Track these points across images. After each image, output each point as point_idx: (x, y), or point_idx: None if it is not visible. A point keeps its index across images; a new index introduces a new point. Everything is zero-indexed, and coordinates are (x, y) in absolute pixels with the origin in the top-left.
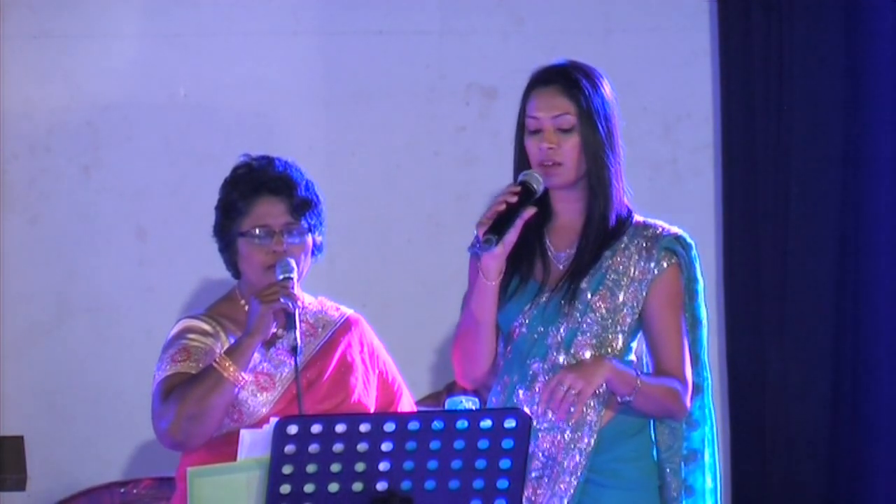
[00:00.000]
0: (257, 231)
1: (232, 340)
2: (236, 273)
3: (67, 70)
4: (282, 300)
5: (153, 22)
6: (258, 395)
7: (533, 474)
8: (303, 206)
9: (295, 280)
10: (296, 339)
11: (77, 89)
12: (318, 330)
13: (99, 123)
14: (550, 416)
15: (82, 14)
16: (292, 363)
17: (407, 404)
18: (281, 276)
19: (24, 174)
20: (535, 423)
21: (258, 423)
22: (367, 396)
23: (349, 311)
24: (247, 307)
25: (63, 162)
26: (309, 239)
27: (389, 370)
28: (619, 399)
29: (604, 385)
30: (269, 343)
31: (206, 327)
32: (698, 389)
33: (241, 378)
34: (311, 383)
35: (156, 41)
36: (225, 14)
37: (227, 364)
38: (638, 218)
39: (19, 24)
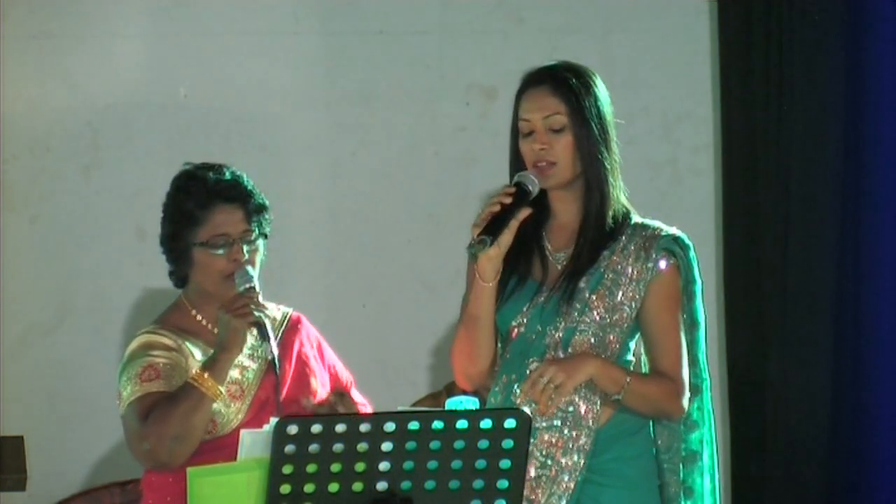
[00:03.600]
0: (216, 240)
1: (196, 352)
2: (180, 282)
3: (67, 70)
4: (255, 314)
5: (153, 22)
6: (231, 404)
7: (532, 473)
8: (257, 211)
9: (257, 289)
10: (271, 351)
11: (77, 89)
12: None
13: (99, 123)
14: (523, 402)
15: (82, 14)
16: (254, 368)
17: (357, 395)
18: (242, 287)
19: (24, 174)
20: (535, 421)
21: (231, 434)
22: (325, 392)
23: (290, 310)
24: (198, 316)
25: (63, 162)
26: (261, 244)
27: (336, 363)
28: (609, 397)
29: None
30: None
31: (168, 342)
32: (696, 391)
33: (219, 393)
34: (274, 387)
35: (156, 41)
36: (225, 14)
37: (207, 382)
38: (637, 218)
39: (19, 24)
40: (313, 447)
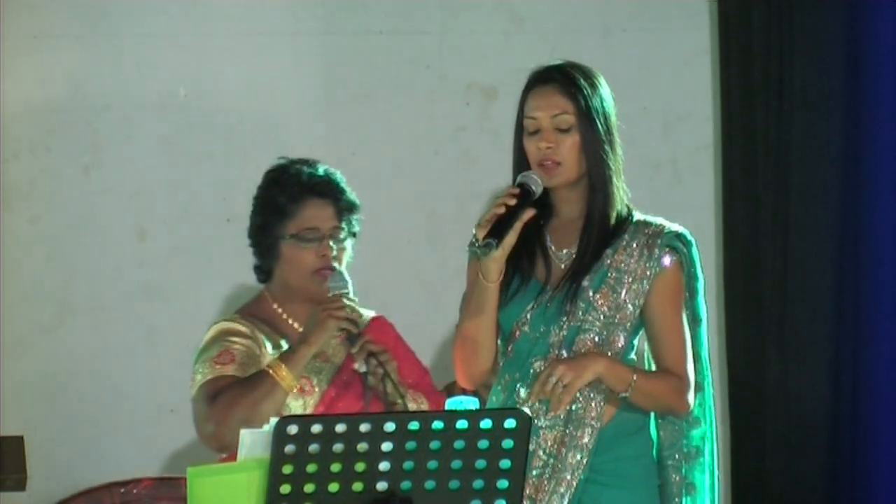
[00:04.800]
0: (306, 234)
1: (269, 345)
2: (265, 276)
3: (67, 70)
4: (347, 322)
5: (153, 22)
6: (298, 398)
7: (534, 472)
8: (348, 209)
9: (352, 295)
10: (363, 363)
11: (77, 89)
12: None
13: (99, 123)
14: (532, 402)
15: (82, 14)
16: (329, 366)
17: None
18: (335, 293)
19: (24, 174)
20: (536, 421)
21: None
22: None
23: (371, 313)
24: (279, 310)
25: (63, 162)
26: (349, 243)
27: (409, 362)
28: (615, 395)
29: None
30: None
31: (244, 329)
32: (699, 387)
33: (294, 386)
34: (347, 384)
35: (156, 41)
36: (225, 14)
37: (282, 372)
38: (639, 216)
39: (19, 24)
40: (313, 447)
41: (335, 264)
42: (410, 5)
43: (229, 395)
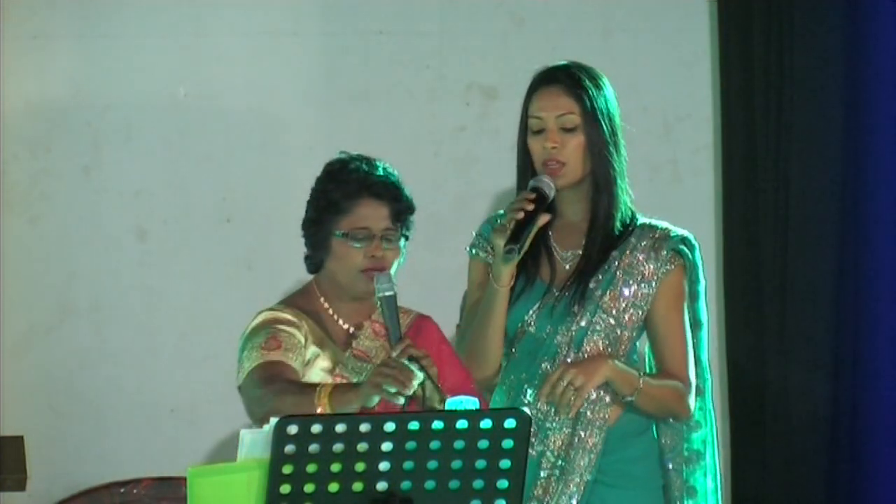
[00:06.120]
0: (357, 233)
1: (310, 337)
2: (314, 267)
3: (67, 70)
4: (391, 394)
5: (153, 22)
6: None
7: (542, 474)
8: (404, 212)
9: (396, 296)
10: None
11: (77, 89)
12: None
13: (99, 123)
14: (543, 404)
15: (82, 14)
16: (371, 367)
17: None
18: (381, 294)
19: (24, 174)
20: (544, 422)
21: None
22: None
23: (415, 314)
24: (325, 304)
25: (63, 162)
26: (402, 245)
27: (448, 367)
28: (620, 398)
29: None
30: (346, 345)
31: (291, 318)
32: (699, 391)
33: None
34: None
35: (156, 41)
36: (225, 14)
37: (326, 403)
38: (643, 219)
39: (19, 24)
40: (313, 447)
41: (384, 266)
42: (410, 5)
43: (279, 385)
